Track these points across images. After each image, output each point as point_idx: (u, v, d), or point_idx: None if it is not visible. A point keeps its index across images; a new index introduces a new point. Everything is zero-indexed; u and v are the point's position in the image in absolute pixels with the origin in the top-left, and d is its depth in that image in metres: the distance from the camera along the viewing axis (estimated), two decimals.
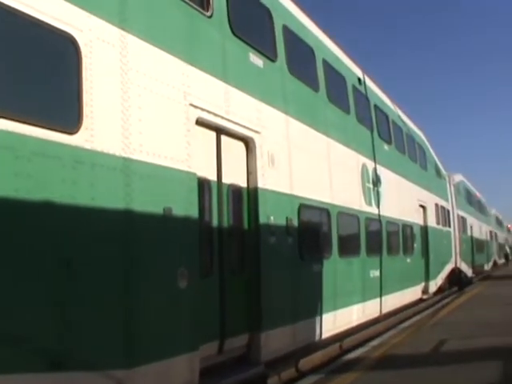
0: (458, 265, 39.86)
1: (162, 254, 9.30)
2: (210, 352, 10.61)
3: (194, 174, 10.18)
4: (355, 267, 18.42)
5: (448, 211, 37.74)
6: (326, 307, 15.51)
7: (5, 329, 6.68)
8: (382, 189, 21.90)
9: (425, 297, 29.41)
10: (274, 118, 13.51)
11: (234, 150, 11.94)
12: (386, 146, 23.84)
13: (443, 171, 38.73)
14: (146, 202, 8.92)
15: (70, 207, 7.60)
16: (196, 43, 10.86)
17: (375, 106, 23.04)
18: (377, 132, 22.45)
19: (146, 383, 8.70)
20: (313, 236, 15.77)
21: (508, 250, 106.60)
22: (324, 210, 16.16)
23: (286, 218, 13.46)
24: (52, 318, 7.31)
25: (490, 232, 77.59)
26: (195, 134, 10.38)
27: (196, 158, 10.27)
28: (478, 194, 64.78)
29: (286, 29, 14.65)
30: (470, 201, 54.86)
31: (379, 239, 21.29)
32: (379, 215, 21.22)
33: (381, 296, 20.71)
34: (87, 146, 7.92)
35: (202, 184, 10.70)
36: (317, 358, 15.79)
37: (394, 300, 23.00)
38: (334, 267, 16.30)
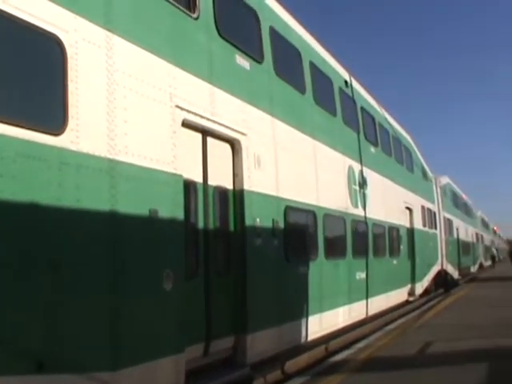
0: (445, 267, 39.96)
1: (148, 256, 9.27)
2: (195, 354, 10.59)
3: (180, 176, 10.16)
4: (341, 269, 18.42)
5: (434, 213, 37.83)
6: (312, 309, 15.50)
7: None
8: (369, 191, 21.94)
9: (411, 299, 29.47)
10: (260, 120, 13.50)
11: (219, 152, 11.93)
12: (372, 149, 23.87)
13: (429, 173, 38.82)
14: (131, 204, 8.90)
15: (56, 209, 7.58)
16: (182, 45, 10.85)
17: (362, 108, 23.07)
18: (363, 134, 22.48)
19: None
20: (299, 238, 15.77)
21: (495, 251, 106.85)
22: (310, 212, 16.16)
23: (272, 219, 13.45)
24: (37, 320, 7.29)
25: (476, 234, 77.88)
26: (181, 136, 10.36)
27: (182, 159, 10.25)
28: (464, 196, 65.02)
29: (272, 31, 14.65)
30: (456, 203, 55.04)
31: (365, 241, 21.32)
32: (365, 217, 21.25)
33: (367, 298, 20.73)
34: (73, 147, 7.90)
35: (188, 186, 10.68)
36: (303, 360, 15.78)
37: (380, 302, 23.02)
38: (320, 269, 16.30)
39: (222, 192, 11.96)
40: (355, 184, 20.52)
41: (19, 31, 7.40)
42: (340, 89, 20.23)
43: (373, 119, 24.92)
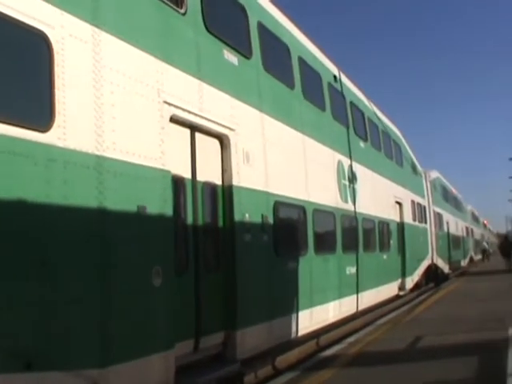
0: (435, 261, 40.04)
1: (137, 253, 9.25)
2: (185, 350, 10.58)
3: (169, 172, 10.13)
4: (331, 264, 18.42)
5: (424, 207, 37.88)
6: (302, 304, 15.50)
7: None
8: (358, 186, 21.94)
9: (401, 293, 29.49)
10: (249, 115, 13.48)
11: (208, 148, 11.91)
12: (361, 143, 23.87)
13: (419, 168, 38.85)
14: (119, 201, 8.87)
15: (43, 206, 7.55)
16: (170, 40, 10.81)
17: (351, 103, 23.07)
18: (353, 129, 22.48)
19: (121, 382, 8.65)
20: (288, 233, 15.75)
21: (486, 245, 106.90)
22: (300, 207, 16.15)
23: (262, 215, 13.44)
24: (25, 318, 7.26)
25: (467, 228, 78.02)
26: (169, 132, 10.33)
27: (170, 155, 10.22)
28: (454, 190, 65.12)
29: (261, 26, 14.62)
30: (446, 197, 55.09)
31: (355, 236, 21.32)
32: (355, 212, 21.26)
33: (357, 293, 20.74)
34: (60, 143, 7.86)
35: (177, 182, 10.66)
36: (293, 355, 15.81)
37: (371, 297, 23.05)
38: (309, 264, 16.30)
39: (210, 188, 11.94)
40: (345, 179, 20.51)
41: (4, 27, 7.35)
42: (329, 84, 20.21)
43: (362, 114, 24.91)
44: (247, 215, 12.70)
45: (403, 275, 29.65)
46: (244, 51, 13.58)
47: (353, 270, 20.45)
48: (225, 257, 12.12)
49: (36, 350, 7.34)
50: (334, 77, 21.13)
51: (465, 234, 72.99)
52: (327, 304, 17.67)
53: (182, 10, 11.25)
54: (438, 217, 45.24)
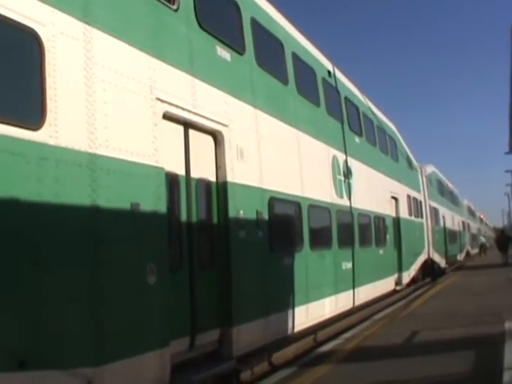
0: (431, 255, 40.05)
1: (130, 250, 9.22)
2: (181, 348, 10.56)
3: (162, 169, 10.10)
4: (327, 259, 18.39)
5: (420, 202, 37.87)
6: (298, 300, 15.47)
7: None
8: (353, 181, 21.91)
9: (398, 288, 29.47)
10: (243, 112, 13.45)
11: (202, 144, 11.87)
12: (356, 138, 23.83)
13: (415, 162, 38.85)
14: (112, 198, 8.84)
15: (35, 204, 7.52)
16: (162, 37, 10.77)
17: (345, 98, 23.02)
18: (347, 124, 22.43)
19: (116, 381, 8.62)
20: (283, 229, 15.71)
21: (483, 239, 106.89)
22: (295, 203, 16.12)
23: (256, 211, 13.41)
24: (18, 317, 7.23)
25: (463, 222, 78.07)
26: (162, 129, 10.29)
27: (163, 152, 10.19)
28: (450, 184, 65.15)
29: (254, 22, 14.58)
30: (442, 192, 55.10)
31: (351, 231, 21.29)
32: (351, 207, 21.23)
33: (354, 288, 20.71)
34: (51, 141, 7.82)
35: (171, 179, 10.63)
36: (290, 351, 15.83)
37: (367, 292, 23.02)
38: (305, 260, 16.28)
39: (204, 184, 11.91)
40: (340, 174, 20.47)
41: None
42: (323, 79, 20.16)
43: (357, 109, 24.86)
44: (242, 212, 12.66)
45: (400, 270, 29.61)
46: (237, 47, 13.54)
47: (349, 265, 20.42)
48: (219, 253, 12.08)
49: (29, 349, 7.31)
50: (329, 72, 21.08)
51: (461, 229, 73.03)
52: (323, 300, 17.64)
53: (174, 7, 11.20)
54: (434, 211, 45.24)
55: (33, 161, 7.52)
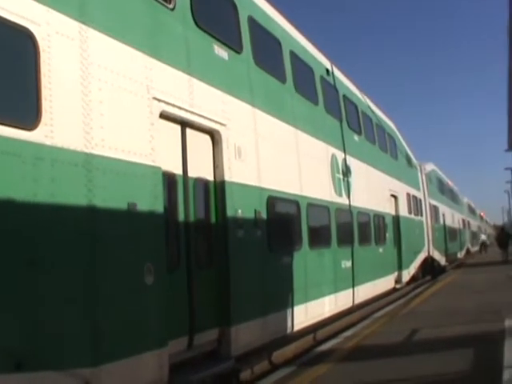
0: (431, 253, 40.04)
1: (127, 250, 9.19)
2: (179, 347, 10.53)
3: (159, 168, 10.06)
4: (326, 258, 18.37)
5: (420, 200, 37.84)
6: (297, 299, 15.44)
7: None
8: (353, 179, 21.87)
9: (398, 286, 29.46)
10: (241, 110, 13.41)
11: (199, 143, 11.84)
12: (355, 137, 23.80)
13: (414, 160, 38.81)
14: (109, 198, 8.80)
15: (31, 205, 7.49)
16: (159, 36, 10.73)
17: (344, 96, 22.98)
18: (346, 122, 22.40)
19: (114, 381, 8.59)
20: (282, 228, 15.68)
21: (485, 237, 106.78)
22: (293, 202, 16.08)
23: (255, 210, 13.37)
24: (14, 317, 7.20)
25: (463, 220, 78.07)
26: (159, 128, 10.26)
27: (161, 151, 10.15)
28: (450, 182, 65.13)
29: (251, 20, 14.54)
30: (442, 189, 55.08)
31: (350, 230, 21.27)
32: (350, 206, 21.20)
33: (353, 286, 20.69)
34: (47, 141, 7.80)
35: (168, 178, 10.59)
36: (290, 350, 15.81)
37: (367, 290, 23.00)
38: (304, 259, 16.25)
39: (202, 184, 11.87)
40: (339, 172, 20.43)
41: None
42: (321, 77, 20.13)
43: (355, 107, 24.82)
44: (240, 211, 12.63)
45: (399, 268, 29.60)
46: (234, 46, 13.51)
47: (348, 263, 20.40)
48: (218, 253, 12.05)
49: (26, 349, 7.28)
50: (327, 70, 21.05)
51: (461, 226, 73.05)
52: (322, 298, 17.61)
53: (171, 6, 11.16)
54: (434, 209, 45.22)
55: (28, 161, 7.49)
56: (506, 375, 11.03)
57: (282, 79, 16.34)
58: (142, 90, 9.94)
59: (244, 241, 12.74)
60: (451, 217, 59.54)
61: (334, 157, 20.08)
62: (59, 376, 7.71)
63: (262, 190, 13.85)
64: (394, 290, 28.83)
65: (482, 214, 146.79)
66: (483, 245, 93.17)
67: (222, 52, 12.87)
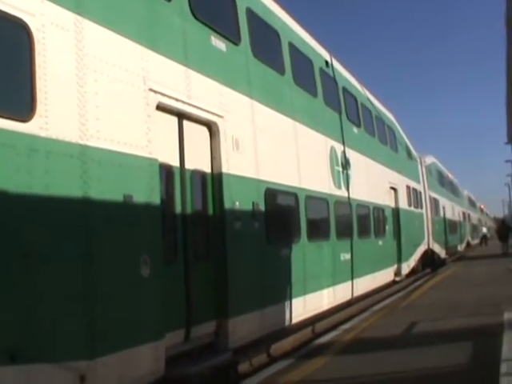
0: (431, 246, 40.01)
1: (123, 243, 9.15)
2: (176, 340, 10.52)
3: (156, 160, 10.02)
4: (325, 251, 18.33)
5: (420, 193, 37.78)
6: (296, 292, 15.41)
7: None
8: (352, 172, 21.82)
9: (397, 279, 29.45)
10: (238, 102, 13.35)
11: (196, 135, 11.80)
12: (355, 129, 23.73)
13: (414, 153, 38.72)
14: (105, 190, 8.76)
15: (26, 197, 7.44)
16: (155, 27, 10.67)
17: (343, 88, 22.89)
18: (345, 115, 22.33)
19: (109, 373, 8.57)
20: (280, 220, 15.64)
21: (485, 230, 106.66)
22: (292, 194, 16.04)
23: (253, 202, 13.33)
24: (8, 310, 7.16)
25: (463, 213, 78.01)
26: (156, 120, 10.21)
27: (157, 143, 10.11)
28: (450, 175, 65.05)
29: (249, 12, 14.47)
30: (442, 182, 55.01)
31: (349, 222, 21.24)
32: (349, 198, 21.16)
33: (352, 279, 20.66)
34: (42, 133, 7.75)
35: (165, 170, 10.57)
36: (288, 343, 15.77)
37: (366, 283, 22.98)
38: (302, 251, 16.21)
39: (199, 176, 11.84)
40: (338, 165, 20.38)
41: None
42: (321, 69, 20.06)
43: (355, 99, 24.75)
44: (237, 203, 12.59)
45: (399, 261, 29.59)
46: (232, 37, 13.44)
47: (347, 256, 20.37)
48: (215, 245, 12.02)
49: (21, 342, 7.25)
50: (326, 62, 20.98)
51: (461, 219, 73.00)
52: (321, 291, 17.59)
53: None
54: (434, 202, 45.19)
55: (23, 152, 7.44)
56: (503, 368, 11.00)
57: (281, 71, 16.28)
58: (139, 81, 9.89)
59: (242, 233, 12.70)
60: (451, 209, 59.50)
61: (333, 149, 20.02)
62: (54, 369, 7.68)
63: (259, 182, 13.81)
64: (394, 282, 28.81)
65: (482, 206, 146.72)
66: (484, 237, 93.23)
67: (219, 43, 12.81)
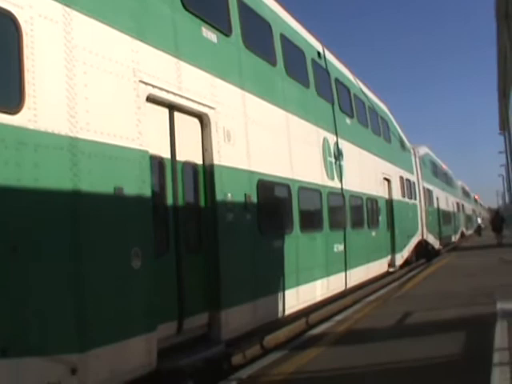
0: (425, 237, 40.02)
1: (114, 235, 9.12)
2: (168, 332, 10.50)
3: (146, 152, 9.98)
4: (318, 242, 18.33)
5: (413, 184, 37.77)
6: (289, 283, 15.40)
7: None
8: (345, 163, 21.78)
9: (391, 270, 29.44)
10: (230, 94, 13.31)
11: (188, 127, 11.76)
12: (347, 120, 23.69)
13: (408, 144, 38.68)
14: (95, 182, 8.73)
15: (15, 190, 7.41)
16: (145, 19, 10.62)
17: (336, 79, 22.83)
18: (338, 106, 22.27)
19: (101, 366, 8.55)
20: (273, 212, 15.63)
21: (480, 221, 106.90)
22: (284, 185, 16.01)
23: (245, 194, 13.30)
24: None
25: (457, 203, 78.04)
26: (146, 112, 10.18)
27: (148, 135, 10.08)
28: (444, 165, 65.07)
29: (240, 3, 14.41)
30: (436, 173, 55.01)
31: (343, 213, 21.22)
32: (342, 189, 21.12)
33: (346, 270, 20.65)
34: (30, 126, 7.72)
35: (155, 162, 10.53)
36: (282, 334, 15.79)
37: (360, 274, 22.99)
38: (295, 242, 16.20)
39: (191, 167, 11.80)
40: (331, 156, 20.34)
41: None
42: (313, 60, 20.00)
43: (348, 90, 24.69)
44: (229, 194, 12.56)
45: (393, 252, 29.58)
46: (223, 28, 13.39)
47: (340, 247, 20.36)
48: (207, 237, 12.00)
49: (11, 335, 7.22)
50: (318, 53, 20.92)
51: (455, 210, 73.03)
52: (314, 282, 17.58)
53: None
54: (428, 193, 45.19)
55: (11, 145, 7.41)
56: (496, 358, 11.03)
57: (273, 62, 16.23)
58: (129, 73, 9.85)
59: (234, 225, 12.69)
60: (445, 200, 59.53)
61: (325, 140, 19.99)
62: (45, 362, 7.66)
63: (252, 173, 13.78)
64: (388, 273, 28.82)
65: (476, 197, 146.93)
66: (479, 228, 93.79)
67: (210, 35, 12.76)
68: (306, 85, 19.01)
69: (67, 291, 8.12)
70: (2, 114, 7.35)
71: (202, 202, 12.07)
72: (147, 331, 9.56)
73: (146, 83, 10.23)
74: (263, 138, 14.79)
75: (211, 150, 12.17)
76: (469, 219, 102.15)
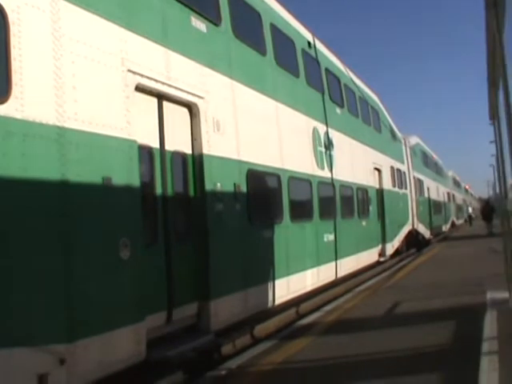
0: (416, 227, 40.10)
1: (102, 225, 9.08)
2: (157, 322, 10.49)
3: (135, 142, 9.94)
4: (308, 231, 18.33)
5: (404, 173, 37.81)
6: (279, 273, 15.38)
7: None
8: (335, 152, 21.79)
9: (382, 259, 29.49)
10: (219, 83, 13.27)
11: (177, 117, 11.72)
12: (338, 110, 23.67)
13: (398, 134, 38.70)
14: (83, 172, 8.69)
15: (1, 179, 7.37)
16: (134, 8, 10.55)
17: (326, 69, 22.80)
18: (328, 95, 22.25)
19: (89, 356, 8.53)
20: (263, 201, 15.59)
21: (471, 211, 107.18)
22: (274, 175, 15.99)
23: (234, 184, 13.28)
24: None
25: (448, 193, 78.26)
26: (135, 101, 10.13)
27: (137, 125, 10.04)
28: (434, 155, 65.17)
29: None
30: (427, 163, 55.11)
31: (333, 203, 21.23)
32: (332, 179, 21.12)
33: (336, 260, 20.68)
34: (17, 115, 7.66)
35: (144, 152, 10.49)
36: (272, 324, 15.81)
37: (350, 263, 23.00)
38: (285, 232, 16.19)
39: (180, 157, 11.77)
40: (321, 145, 20.33)
41: None
42: (303, 50, 19.96)
43: (338, 80, 24.67)
44: (219, 184, 12.54)
45: (383, 241, 29.64)
46: (213, 18, 13.33)
47: (331, 237, 20.37)
48: (196, 227, 11.98)
49: None
50: (309, 43, 20.88)
51: (446, 199, 73.24)
52: (304, 272, 17.58)
53: None
54: (419, 182, 45.28)
55: None
56: (484, 347, 11.06)
57: (262, 52, 16.19)
58: (117, 62, 9.80)
59: (223, 214, 12.66)
60: (436, 190, 59.68)
61: (315, 130, 19.97)
62: (33, 352, 7.63)
63: (241, 163, 13.76)
64: (378, 263, 28.87)
65: (467, 186, 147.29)
66: (470, 218, 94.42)
67: (199, 24, 12.71)
68: (296, 74, 18.97)
69: (55, 281, 8.09)
70: None
71: (191, 192, 12.04)
72: (136, 321, 9.54)
73: (135, 72, 10.18)
74: (253, 128, 14.77)
75: (200, 139, 12.14)
76: (459, 209, 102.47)
